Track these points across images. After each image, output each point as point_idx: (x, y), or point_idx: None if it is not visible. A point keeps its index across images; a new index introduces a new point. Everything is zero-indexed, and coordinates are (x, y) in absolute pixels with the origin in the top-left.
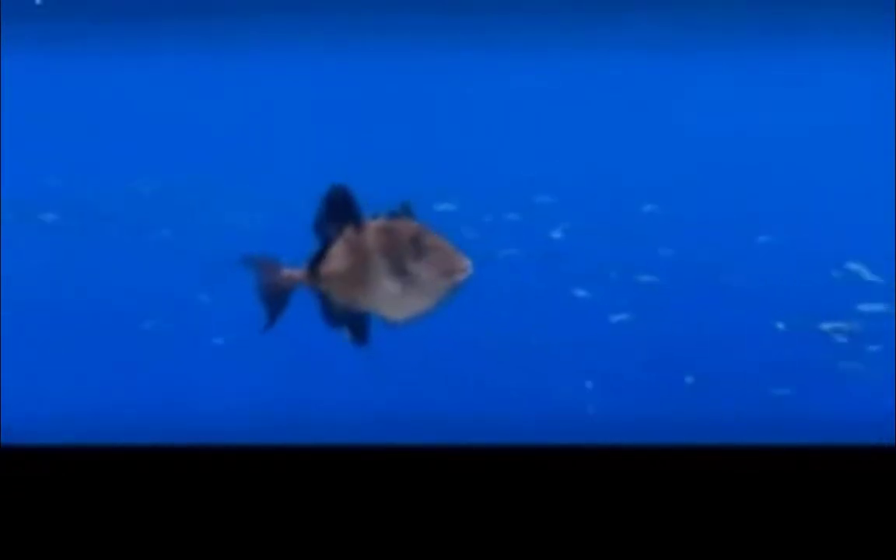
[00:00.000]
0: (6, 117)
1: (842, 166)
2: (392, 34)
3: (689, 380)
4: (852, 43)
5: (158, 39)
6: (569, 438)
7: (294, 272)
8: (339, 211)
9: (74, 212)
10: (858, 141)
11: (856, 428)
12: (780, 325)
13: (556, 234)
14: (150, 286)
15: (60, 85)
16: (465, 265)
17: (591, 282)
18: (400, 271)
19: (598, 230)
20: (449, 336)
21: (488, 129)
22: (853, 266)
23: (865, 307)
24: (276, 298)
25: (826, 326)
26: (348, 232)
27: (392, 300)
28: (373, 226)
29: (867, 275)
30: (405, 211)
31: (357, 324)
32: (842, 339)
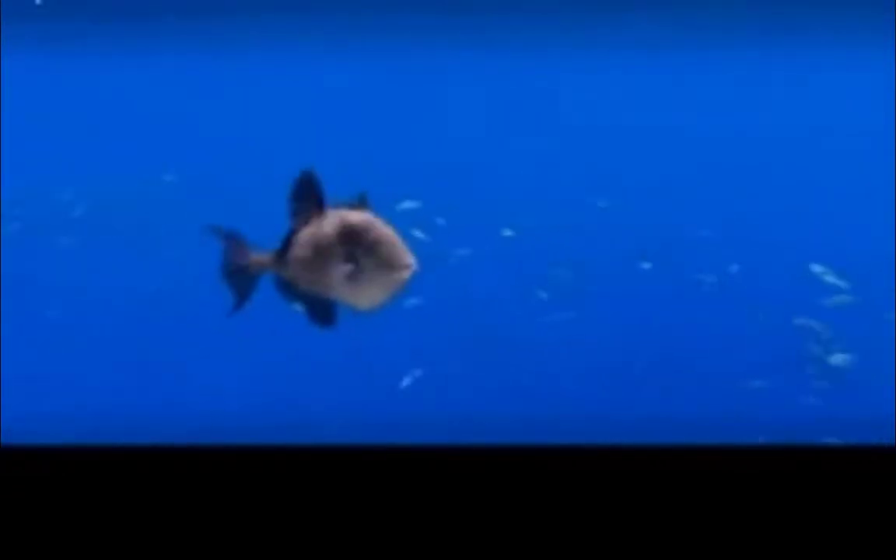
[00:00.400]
0: (6, 117)
1: (841, 167)
2: (392, 34)
3: (669, 378)
4: (852, 43)
5: (158, 39)
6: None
7: (262, 257)
8: (304, 198)
9: (74, 211)
10: (858, 141)
11: (856, 428)
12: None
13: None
14: (150, 286)
15: (60, 85)
16: (409, 263)
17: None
18: (351, 261)
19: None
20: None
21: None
22: (823, 268)
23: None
24: (242, 281)
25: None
26: (312, 219)
27: (345, 288)
28: (331, 215)
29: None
30: (361, 202)
31: (320, 308)
32: (826, 336)
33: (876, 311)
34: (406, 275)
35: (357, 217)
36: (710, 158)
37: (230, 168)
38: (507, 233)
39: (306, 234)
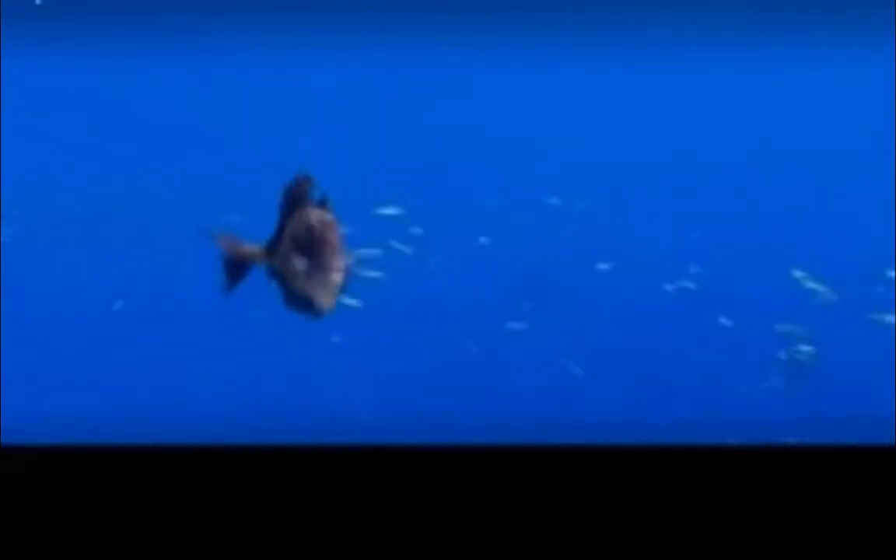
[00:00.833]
0: (6, 117)
1: (840, 166)
2: (392, 35)
3: (665, 381)
4: (852, 43)
5: (158, 39)
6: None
7: (254, 250)
8: (290, 195)
9: (74, 211)
10: (857, 142)
11: (856, 428)
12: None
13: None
14: (150, 286)
15: (60, 85)
16: (339, 266)
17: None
18: (302, 259)
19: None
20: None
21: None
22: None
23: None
24: (235, 271)
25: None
26: (293, 215)
27: (304, 286)
28: (300, 213)
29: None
30: (322, 202)
31: (304, 304)
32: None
33: (876, 311)
34: (336, 278)
35: (315, 217)
36: (708, 159)
37: (230, 168)
38: (483, 240)
39: (288, 231)
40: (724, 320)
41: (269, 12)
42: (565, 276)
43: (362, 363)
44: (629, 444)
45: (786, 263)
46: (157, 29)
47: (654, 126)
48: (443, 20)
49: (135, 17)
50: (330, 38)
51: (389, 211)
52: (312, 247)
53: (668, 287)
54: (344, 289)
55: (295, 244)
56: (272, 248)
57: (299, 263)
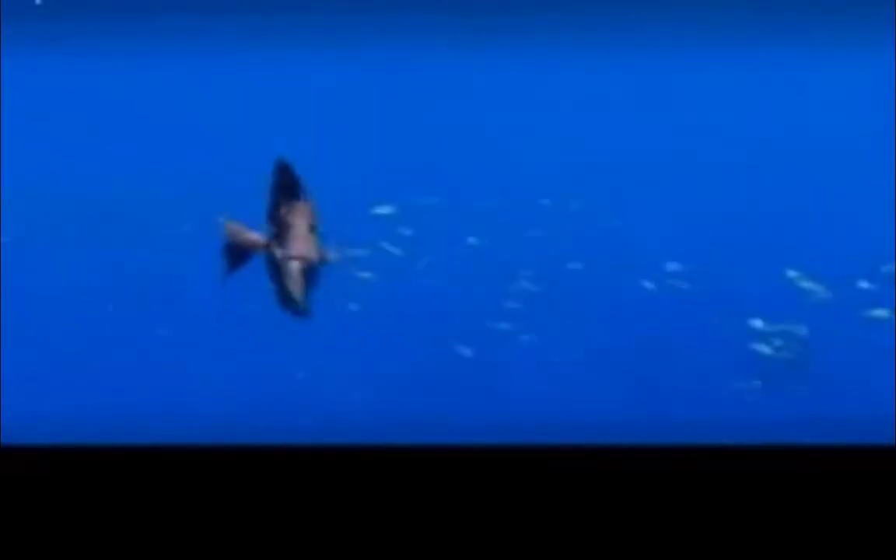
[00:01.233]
0: (6, 117)
1: (840, 167)
2: (385, 36)
3: (644, 380)
4: (852, 43)
5: (158, 39)
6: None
7: (257, 239)
8: (279, 187)
9: (74, 212)
10: (857, 142)
11: (856, 428)
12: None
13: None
14: (150, 286)
15: (60, 85)
16: (299, 254)
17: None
18: (278, 247)
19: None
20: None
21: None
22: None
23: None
24: (235, 258)
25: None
26: (282, 206)
27: (282, 276)
28: (285, 204)
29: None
30: (291, 188)
31: (286, 298)
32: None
33: (877, 309)
34: (294, 265)
35: (285, 203)
36: (704, 159)
37: (230, 168)
38: (471, 240)
39: (277, 218)
40: (720, 320)
41: (270, 12)
42: (558, 278)
43: (353, 363)
44: (624, 444)
45: (785, 263)
46: (157, 29)
47: (651, 126)
48: (434, 21)
49: (135, 17)
50: (330, 38)
51: (384, 210)
52: (281, 232)
53: (664, 287)
54: (312, 279)
55: (274, 231)
56: (271, 236)
57: (277, 251)
